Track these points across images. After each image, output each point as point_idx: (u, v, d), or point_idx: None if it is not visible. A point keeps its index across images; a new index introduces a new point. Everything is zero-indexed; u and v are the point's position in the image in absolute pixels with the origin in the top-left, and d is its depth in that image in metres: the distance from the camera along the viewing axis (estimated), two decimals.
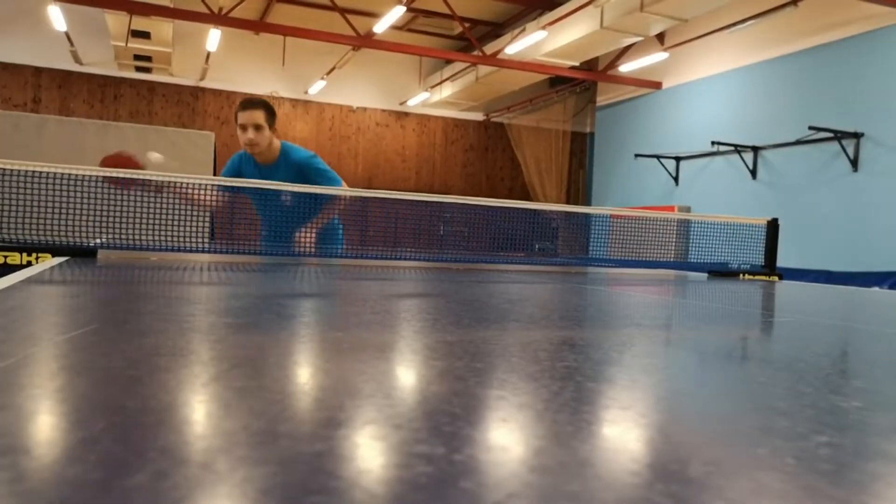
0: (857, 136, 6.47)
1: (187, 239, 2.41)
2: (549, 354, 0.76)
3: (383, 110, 10.80)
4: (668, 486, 0.33)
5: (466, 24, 9.18)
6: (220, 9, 7.92)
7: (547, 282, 2.25)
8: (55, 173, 2.21)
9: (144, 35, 7.87)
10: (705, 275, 3.10)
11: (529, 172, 11.12)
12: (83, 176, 2.27)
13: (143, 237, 2.34)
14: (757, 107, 7.65)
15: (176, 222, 2.40)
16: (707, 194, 8.30)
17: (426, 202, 2.88)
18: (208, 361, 0.64)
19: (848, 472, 0.38)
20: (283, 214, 2.69)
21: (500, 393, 0.54)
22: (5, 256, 2.01)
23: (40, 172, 2.19)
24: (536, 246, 3.34)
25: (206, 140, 6.49)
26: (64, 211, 2.21)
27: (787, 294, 2.26)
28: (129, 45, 8.06)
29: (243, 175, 2.83)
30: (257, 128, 2.72)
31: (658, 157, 8.90)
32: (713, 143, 7.93)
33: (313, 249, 2.77)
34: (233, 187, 2.68)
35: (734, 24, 7.36)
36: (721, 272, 3.12)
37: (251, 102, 2.78)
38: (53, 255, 2.10)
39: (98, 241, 2.30)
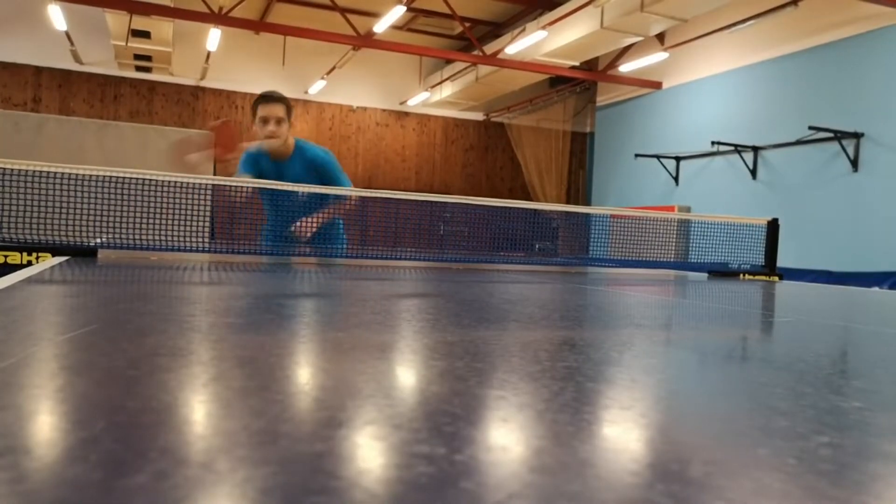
0: (857, 136, 6.47)
1: (187, 239, 2.41)
2: (550, 354, 0.76)
3: (383, 110, 10.80)
4: (668, 486, 0.33)
5: (466, 24, 9.18)
6: (221, 8, 7.92)
7: (547, 282, 2.25)
8: (55, 173, 2.21)
9: (144, 35, 7.87)
10: (705, 275, 3.10)
11: (529, 172, 11.12)
12: (83, 175, 2.27)
13: (144, 237, 2.34)
14: (757, 107, 7.65)
15: (176, 222, 2.40)
16: (707, 194, 8.29)
17: (426, 202, 2.88)
18: (208, 361, 0.64)
19: (848, 472, 0.38)
20: (292, 211, 2.70)
21: (501, 393, 0.54)
22: (5, 256, 2.01)
23: (40, 172, 2.19)
24: (536, 246, 3.34)
25: (207, 140, 6.49)
26: (64, 210, 2.21)
27: (788, 294, 2.26)
28: (129, 44, 8.06)
29: (260, 170, 2.83)
30: (278, 121, 2.75)
31: (658, 157, 8.90)
32: (713, 143, 7.93)
33: (310, 240, 2.79)
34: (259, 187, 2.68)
35: (734, 24, 7.36)
36: (721, 272, 3.11)
37: (272, 96, 2.80)
38: (54, 255, 2.09)
39: (98, 240, 2.30)
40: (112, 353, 0.65)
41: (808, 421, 0.49)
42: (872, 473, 0.39)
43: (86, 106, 9.26)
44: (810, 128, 6.61)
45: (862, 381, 0.73)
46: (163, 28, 7.77)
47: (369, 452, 0.38)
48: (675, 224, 3.68)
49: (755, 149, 7.63)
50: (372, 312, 1.14)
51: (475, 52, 8.84)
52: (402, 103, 10.75)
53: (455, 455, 0.36)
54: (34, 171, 2.18)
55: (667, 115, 9.09)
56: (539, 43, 7.77)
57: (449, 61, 9.92)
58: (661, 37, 8.70)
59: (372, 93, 10.66)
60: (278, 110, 2.75)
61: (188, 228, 2.42)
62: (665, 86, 9.17)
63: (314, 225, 2.78)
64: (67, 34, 8.35)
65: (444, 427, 0.42)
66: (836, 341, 1.11)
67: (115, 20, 7.51)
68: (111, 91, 9.41)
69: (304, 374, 0.63)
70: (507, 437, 0.43)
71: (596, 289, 2.06)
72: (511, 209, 3.07)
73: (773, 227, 3.21)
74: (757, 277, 3.08)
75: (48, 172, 2.20)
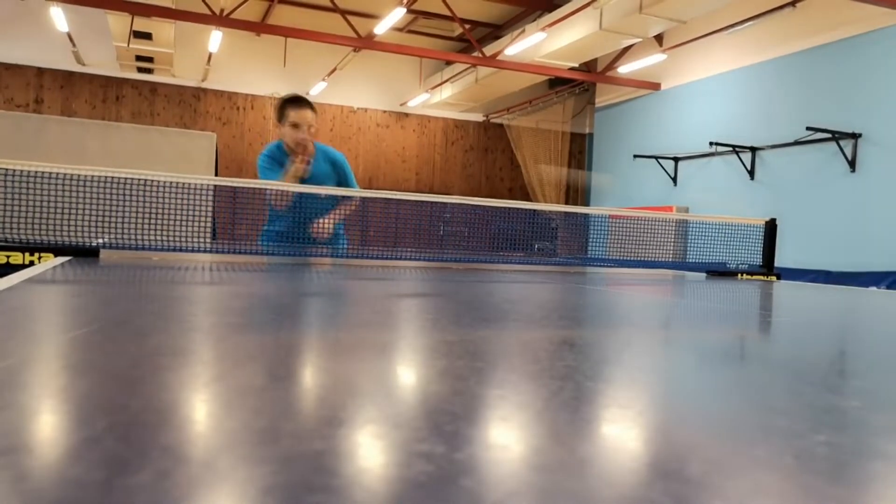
0: (854, 136, 6.47)
1: (189, 239, 2.41)
2: (549, 354, 0.76)
3: (384, 111, 10.80)
4: (667, 484, 0.33)
5: (466, 26, 9.19)
6: (222, 10, 7.93)
7: (546, 282, 2.25)
8: (57, 173, 2.21)
9: (146, 36, 7.87)
10: (703, 275, 3.10)
11: (529, 173, 11.13)
12: (85, 176, 2.27)
13: (145, 237, 2.34)
14: (755, 108, 7.66)
15: (178, 223, 2.40)
16: (705, 195, 8.30)
17: (426, 202, 2.88)
18: (210, 361, 0.64)
19: (846, 471, 0.38)
20: (310, 213, 2.73)
21: (501, 392, 0.54)
22: (8, 256, 2.01)
23: (42, 173, 2.19)
24: (536, 246, 3.34)
25: (208, 141, 6.49)
26: (66, 211, 2.21)
27: (786, 294, 2.26)
28: (130, 45, 8.06)
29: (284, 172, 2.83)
30: (309, 126, 2.78)
31: (657, 157, 8.90)
32: (711, 143, 7.93)
33: (328, 238, 2.82)
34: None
35: (733, 26, 7.37)
36: (719, 272, 3.12)
37: (304, 101, 2.81)
38: (55, 255, 2.10)
39: (100, 241, 2.30)
40: (114, 352, 0.65)
41: (806, 420, 0.50)
42: (871, 472, 0.39)
43: (88, 107, 9.26)
44: (808, 128, 6.61)
45: (860, 380, 0.73)
46: (164, 29, 7.77)
47: (370, 451, 0.38)
48: (674, 224, 3.69)
49: (753, 149, 7.63)
50: (372, 312, 1.14)
51: (475, 54, 8.85)
52: (402, 104, 10.76)
53: (455, 454, 0.37)
54: (36, 172, 2.18)
55: (665, 116, 9.09)
56: (538, 44, 7.77)
57: (449, 63, 9.93)
58: (659, 38, 8.70)
59: (372, 94, 10.66)
60: (311, 117, 2.79)
61: (190, 229, 2.42)
62: (664, 87, 9.18)
63: (331, 224, 2.82)
64: (69, 35, 8.36)
65: (444, 426, 0.42)
66: (834, 341, 1.12)
67: (117, 22, 7.52)
68: (113, 92, 9.41)
69: (305, 374, 0.63)
70: (506, 436, 0.43)
71: (595, 288, 2.06)
72: (510, 209, 3.07)
73: (771, 227, 3.21)
74: (755, 277, 3.08)
75: (50, 173, 2.20)
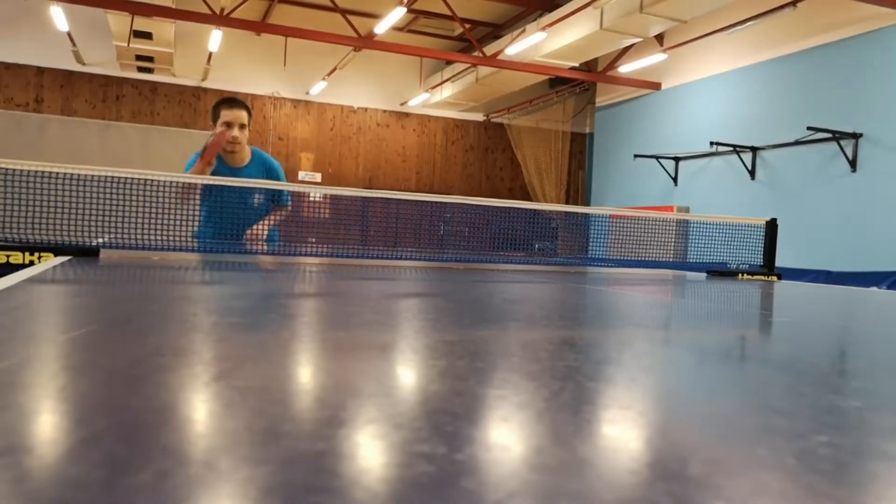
0: (855, 136, 6.47)
1: (189, 239, 2.41)
2: (550, 354, 0.76)
3: (384, 111, 10.80)
4: (668, 485, 0.33)
5: (467, 25, 9.18)
6: (222, 9, 7.92)
7: (546, 282, 2.25)
8: (57, 173, 2.21)
9: (146, 35, 7.87)
10: (704, 275, 3.10)
11: (529, 173, 11.12)
12: (85, 175, 2.27)
13: (145, 237, 2.34)
14: (756, 107, 7.65)
15: (178, 222, 2.40)
16: (706, 195, 8.29)
17: (427, 202, 2.88)
18: (210, 361, 0.64)
19: (848, 471, 0.38)
20: (240, 214, 2.68)
21: (501, 392, 0.54)
22: (7, 256, 2.01)
23: (42, 172, 2.19)
24: (536, 246, 3.34)
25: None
26: (66, 210, 2.21)
27: (786, 294, 2.26)
28: (130, 45, 8.05)
29: (213, 173, 2.78)
30: (241, 126, 2.78)
31: (657, 157, 8.90)
32: (712, 143, 7.93)
33: (264, 246, 2.82)
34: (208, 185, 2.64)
35: (733, 25, 7.36)
36: (720, 272, 3.12)
37: (237, 101, 2.83)
38: (55, 255, 2.10)
39: (100, 240, 2.30)
40: (114, 352, 0.65)
41: (807, 420, 0.50)
42: (872, 473, 0.39)
43: (88, 106, 9.26)
44: (809, 128, 6.61)
45: (861, 380, 0.73)
46: (164, 29, 7.77)
47: (370, 451, 0.38)
48: (674, 224, 3.68)
49: (754, 149, 7.63)
50: (373, 312, 1.14)
51: (475, 54, 8.84)
52: (402, 104, 10.76)
53: (456, 454, 0.37)
54: (36, 172, 2.18)
55: (666, 116, 9.09)
56: (539, 44, 7.77)
57: (449, 62, 9.93)
58: (660, 38, 8.70)
59: (373, 94, 10.66)
60: (243, 116, 2.78)
61: (190, 229, 2.42)
62: (664, 86, 9.17)
63: (264, 231, 2.82)
64: (69, 35, 8.35)
65: (445, 426, 0.42)
66: (835, 341, 1.12)
67: (117, 21, 7.51)
68: (113, 91, 9.41)
69: (306, 374, 0.63)
70: (507, 437, 0.43)
71: (595, 288, 2.06)
72: (511, 209, 3.07)
73: (771, 227, 3.21)
74: (755, 277, 3.08)
75: (50, 172, 2.20)
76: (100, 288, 1.43)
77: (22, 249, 2.04)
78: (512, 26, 9.48)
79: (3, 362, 0.57)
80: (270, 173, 2.89)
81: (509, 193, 11.16)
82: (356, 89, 10.50)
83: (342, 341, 0.81)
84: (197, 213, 2.70)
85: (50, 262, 1.96)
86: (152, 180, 2.36)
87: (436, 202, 2.89)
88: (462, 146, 11.31)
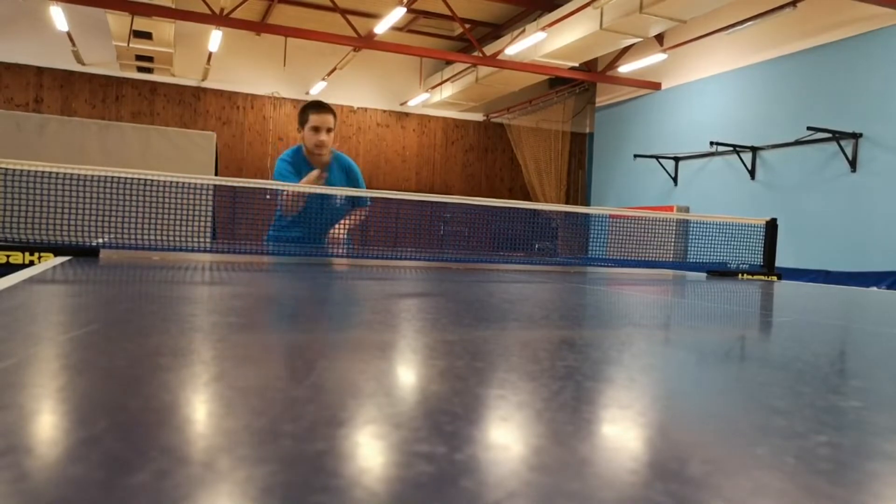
0: (855, 136, 6.47)
1: (189, 239, 2.41)
2: (549, 354, 0.76)
3: (384, 111, 10.80)
4: (667, 485, 0.33)
5: (467, 26, 9.18)
6: (222, 9, 7.92)
7: (546, 281, 2.25)
8: (57, 173, 2.21)
9: (146, 35, 7.87)
10: (704, 275, 3.10)
11: (529, 173, 11.13)
12: (85, 176, 2.27)
13: (145, 237, 2.34)
14: (755, 107, 7.65)
15: (178, 222, 2.40)
16: (706, 195, 8.29)
17: (426, 202, 2.88)
18: (210, 361, 0.64)
19: (847, 471, 0.38)
20: (324, 218, 2.79)
21: (501, 392, 0.54)
22: (7, 256, 2.01)
23: (42, 172, 2.19)
24: (536, 246, 3.34)
25: (208, 140, 6.49)
26: (66, 211, 2.21)
27: (786, 294, 2.26)
28: (130, 45, 8.05)
29: (302, 175, 2.86)
30: (328, 131, 2.87)
31: (657, 157, 8.90)
32: (712, 143, 7.93)
33: (343, 248, 2.90)
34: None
35: (733, 26, 7.36)
36: (720, 272, 3.12)
37: (325, 106, 2.93)
38: (55, 255, 2.10)
39: (100, 240, 2.30)
40: (113, 352, 0.65)
41: (806, 420, 0.50)
42: (871, 472, 0.39)
43: (87, 106, 9.26)
44: (809, 128, 6.61)
45: (860, 380, 0.73)
46: (164, 29, 7.77)
47: (370, 451, 0.38)
48: (674, 224, 3.68)
49: (754, 149, 7.63)
50: (372, 312, 1.14)
51: (475, 54, 8.84)
52: (402, 104, 10.76)
53: (455, 454, 0.37)
54: (36, 172, 2.18)
55: (666, 116, 9.09)
56: (538, 44, 7.77)
57: (449, 62, 9.93)
58: (660, 38, 8.70)
59: (372, 94, 10.66)
60: (331, 121, 2.89)
61: (190, 229, 2.42)
62: (664, 86, 9.17)
63: (344, 232, 2.89)
64: (69, 35, 8.35)
65: (445, 426, 0.42)
66: (835, 341, 1.12)
67: (117, 21, 7.51)
68: (113, 92, 9.41)
69: (305, 374, 0.63)
70: (506, 436, 0.43)
71: (595, 288, 2.06)
72: (511, 209, 3.07)
73: (771, 227, 3.21)
74: (755, 277, 3.08)
75: (50, 173, 2.20)
76: (100, 288, 1.43)
77: (22, 249, 2.04)
78: (512, 26, 9.48)
79: (3, 362, 0.57)
80: (350, 173, 2.98)
81: (509, 193, 11.16)
82: (356, 89, 10.50)
83: (342, 341, 0.81)
84: (272, 216, 2.79)
85: (50, 262, 1.96)
86: (152, 181, 2.36)
87: (435, 202, 2.89)
88: (462, 146, 11.31)
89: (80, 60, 9.12)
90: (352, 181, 2.98)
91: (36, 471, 0.32)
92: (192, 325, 0.89)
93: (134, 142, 5.96)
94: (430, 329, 0.96)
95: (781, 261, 3.42)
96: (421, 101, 10.46)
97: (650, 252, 3.19)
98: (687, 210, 8.29)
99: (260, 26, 8.66)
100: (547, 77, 9.75)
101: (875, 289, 4.52)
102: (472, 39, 8.89)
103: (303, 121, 2.88)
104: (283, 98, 10.22)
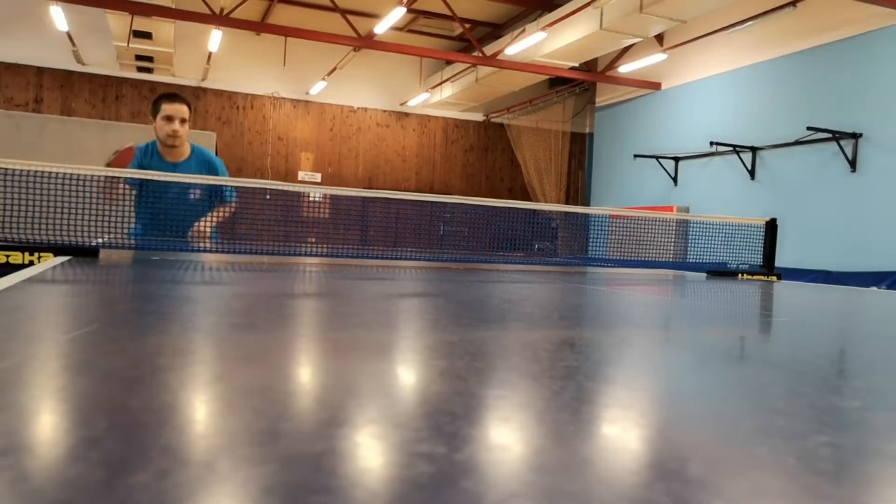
0: (855, 136, 6.47)
1: (189, 238, 2.41)
2: (550, 354, 0.76)
3: (384, 111, 10.80)
4: (668, 485, 0.33)
5: (467, 25, 9.18)
6: (222, 9, 7.92)
7: (546, 282, 2.25)
8: (57, 173, 2.21)
9: (146, 35, 7.87)
10: (704, 275, 3.10)
11: (529, 173, 11.12)
12: (85, 176, 2.27)
13: (145, 237, 2.34)
14: (756, 107, 7.65)
15: (177, 222, 2.39)
16: (706, 195, 8.29)
17: (426, 202, 2.88)
18: (210, 361, 0.64)
19: (848, 471, 0.38)
20: (179, 210, 2.62)
21: (501, 392, 0.54)
22: (7, 256, 2.01)
23: (42, 172, 2.19)
24: (536, 246, 3.34)
25: (208, 140, 6.50)
26: (66, 210, 2.21)
27: (786, 294, 2.26)
28: (130, 45, 8.05)
29: (148, 170, 2.69)
30: (182, 121, 2.78)
31: (657, 157, 8.90)
32: (712, 143, 7.93)
33: (207, 244, 2.74)
34: (141, 180, 2.52)
35: (733, 25, 7.36)
36: (720, 272, 3.11)
37: (178, 96, 2.84)
38: (55, 255, 2.09)
39: (100, 240, 2.30)
40: (113, 352, 0.65)
41: (807, 420, 0.50)
42: (872, 473, 0.39)
43: (87, 106, 9.25)
44: (809, 128, 6.61)
45: (860, 380, 0.73)
46: (164, 29, 7.76)
47: (370, 452, 0.38)
48: (674, 224, 3.68)
49: (754, 149, 7.63)
50: (372, 312, 1.14)
51: (475, 54, 8.84)
52: (402, 104, 10.76)
53: (455, 454, 0.37)
54: (36, 172, 2.18)
55: (666, 116, 9.09)
56: (539, 44, 7.77)
57: (449, 62, 9.92)
58: (660, 38, 8.70)
59: (372, 93, 10.66)
60: (184, 111, 2.80)
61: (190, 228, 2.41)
62: (664, 86, 9.17)
63: (208, 229, 2.76)
64: (69, 35, 8.35)
65: (445, 426, 0.42)
66: (835, 341, 1.12)
67: (117, 21, 7.51)
68: (112, 91, 9.41)
69: (306, 374, 0.63)
70: (507, 437, 0.43)
71: (595, 288, 2.06)
72: (511, 209, 3.07)
73: (771, 227, 3.21)
74: (755, 277, 3.08)
75: (50, 173, 2.20)
76: (99, 288, 1.43)
77: (22, 249, 2.04)
78: (512, 26, 9.48)
79: (3, 362, 0.57)
80: (210, 169, 2.84)
81: (509, 193, 11.16)
82: (356, 89, 10.50)
83: (342, 341, 0.81)
84: (131, 209, 2.62)
85: (50, 262, 1.96)
86: (151, 180, 2.36)
87: (435, 202, 2.89)
88: (462, 146, 11.31)
89: (79, 60, 9.12)
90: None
91: (36, 471, 0.32)
92: (192, 325, 0.89)
93: (134, 142, 5.97)
94: (431, 329, 0.96)
95: (781, 261, 3.42)
96: (421, 101, 10.46)
97: (650, 252, 3.19)
98: (687, 210, 8.29)
99: (260, 26, 8.66)
100: (547, 77, 9.75)
101: (875, 289, 4.52)
102: (472, 39, 8.89)
103: (155, 111, 2.79)
104: (283, 98, 10.21)
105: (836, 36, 6.71)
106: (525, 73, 8.89)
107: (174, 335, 0.79)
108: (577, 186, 11.33)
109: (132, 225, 2.70)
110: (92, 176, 2.29)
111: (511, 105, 10.82)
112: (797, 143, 7.01)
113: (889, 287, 5.71)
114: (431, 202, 2.89)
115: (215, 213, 2.81)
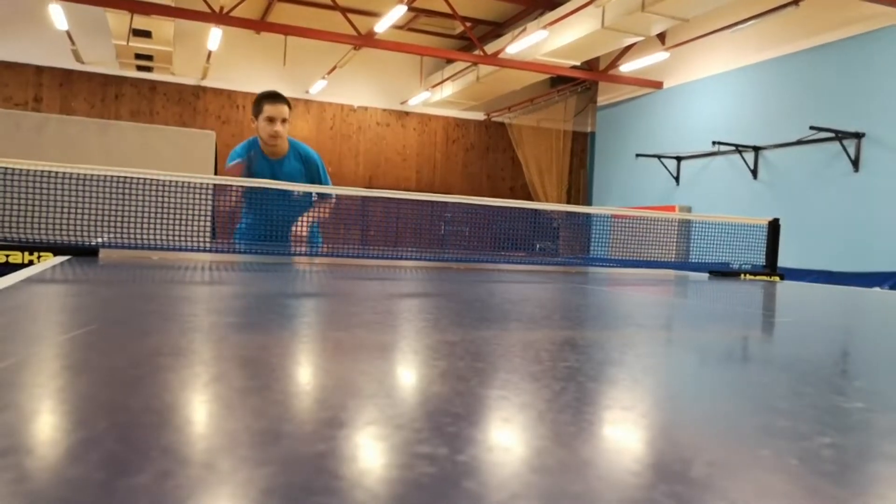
0: (858, 136, 6.46)
1: (189, 238, 2.41)
2: (551, 354, 0.75)
3: (384, 110, 10.79)
4: (671, 486, 0.33)
5: (467, 24, 9.18)
6: (222, 8, 7.92)
7: (548, 282, 2.25)
8: (56, 172, 2.21)
9: (146, 34, 7.87)
10: (706, 275, 3.09)
11: (530, 172, 11.12)
12: (84, 175, 2.27)
13: (145, 237, 2.34)
14: (758, 107, 7.65)
15: (177, 222, 2.40)
16: (708, 194, 8.29)
17: (427, 202, 2.88)
18: (210, 361, 0.64)
19: (851, 473, 0.38)
20: (283, 211, 2.71)
21: (503, 393, 0.54)
22: (7, 255, 2.01)
23: (41, 171, 2.19)
24: (537, 246, 3.33)
25: (208, 139, 6.48)
26: (65, 210, 2.21)
27: (789, 294, 2.25)
28: (130, 44, 8.05)
29: (253, 168, 2.85)
30: (283, 121, 2.86)
31: (659, 156, 8.89)
32: (714, 142, 7.92)
33: (305, 245, 2.83)
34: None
35: (735, 24, 7.36)
36: (722, 272, 3.11)
37: (280, 96, 2.91)
38: (55, 255, 2.10)
39: (99, 240, 2.30)
40: (113, 352, 0.65)
41: (810, 421, 0.49)
42: (875, 474, 0.39)
43: (87, 105, 9.26)
44: (811, 128, 6.60)
45: (864, 381, 0.73)
46: (164, 27, 7.77)
47: (371, 453, 0.38)
48: (676, 224, 3.68)
49: (756, 149, 7.62)
50: (373, 312, 1.14)
51: (476, 52, 8.84)
52: (402, 103, 10.75)
53: (457, 455, 0.36)
54: (35, 171, 2.18)
55: (668, 115, 9.08)
56: (540, 43, 7.76)
57: (450, 61, 9.92)
58: (661, 37, 8.69)
59: (373, 92, 10.66)
60: (285, 111, 2.87)
61: (190, 228, 2.42)
62: (666, 86, 9.17)
63: (307, 227, 2.83)
64: (68, 33, 8.35)
65: (446, 427, 0.42)
66: (838, 342, 1.11)
67: (116, 19, 7.51)
68: (112, 90, 9.41)
69: (306, 374, 0.63)
70: (509, 438, 0.43)
71: (597, 288, 2.06)
72: (512, 209, 3.06)
73: (774, 227, 3.20)
74: (758, 277, 3.07)
75: (49, 172, 2.20)
76: (99, 288, 1.43)
77: (21, 249, 2.04)
78: (513, 25, 9.47)
79: (3, 362, 0.57)
80: (308, 162, 2.94)
81: (510, 193, 11.16)
82: (356, 88, 10.50)
83: (342, 341, 0.81)
84: (239, 210, 2.75)
85: (49, 261, 1.96)
86: (151, 180, 2.36)
87: (436, 202, 2.89)
88: (463, 145, 11.30)
89: (79, 59, 9.12)
90: (311, 171, 2.93)
91: (36, 471, 0.32)
92: (192, 325, 0.89)
93: (133, 141, 5.95)
94: (432, 329, 0.96)
95: (784, 261, 3.42)
96: (421, 99, 10.45)
97: (652, 252, 3.18)
98: (689, 210, 8.29)
99: (260, 25, 8.66)
100: (548, 76, 9.75)
101: (878, 289, 4.52)
102: (473, 38, 8.89)
103: (257, 111, 2.86)
104: None
105: (839, 35, 6.71)
106: (526, 72, 8.89)
107: (174, 335, 0.78)
108: (579, 186, 11.33)
109: (240, 223, 2.82)
110: (91, 175, 2.29)
111: (512, 104, 10.81)
112: (800, 142, 7.00)
113: (892, 287, 5.70)
114: (432, 202, 2.88)
115: (316, 211, 2.88)
